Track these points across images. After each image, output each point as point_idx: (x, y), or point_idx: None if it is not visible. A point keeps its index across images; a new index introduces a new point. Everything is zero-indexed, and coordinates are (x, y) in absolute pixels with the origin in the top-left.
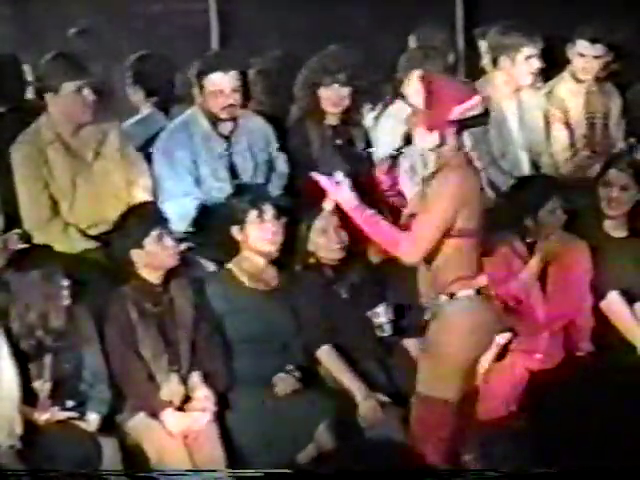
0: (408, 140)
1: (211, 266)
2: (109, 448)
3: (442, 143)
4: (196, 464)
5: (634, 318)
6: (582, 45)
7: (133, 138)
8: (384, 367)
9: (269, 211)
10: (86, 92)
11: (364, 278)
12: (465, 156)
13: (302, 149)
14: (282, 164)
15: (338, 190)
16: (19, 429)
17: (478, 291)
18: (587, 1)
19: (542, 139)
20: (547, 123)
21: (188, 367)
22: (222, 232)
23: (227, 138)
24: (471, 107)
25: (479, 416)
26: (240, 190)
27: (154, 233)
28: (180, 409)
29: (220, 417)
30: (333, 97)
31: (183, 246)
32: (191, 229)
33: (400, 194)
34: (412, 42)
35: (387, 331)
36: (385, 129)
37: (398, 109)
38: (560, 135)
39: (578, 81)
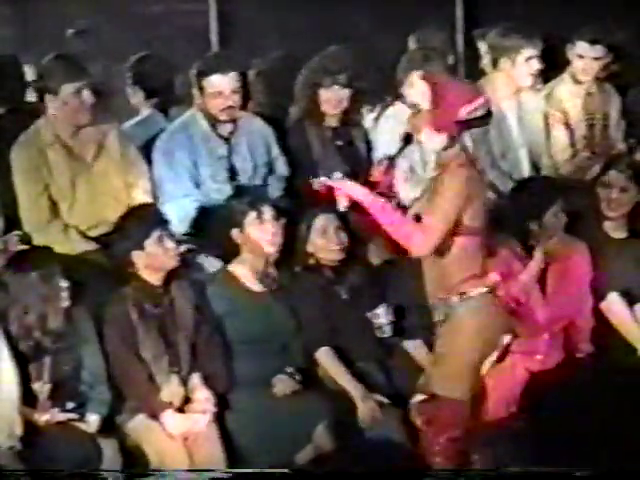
0: (407, 141)
1: (216, 263)
2: (109, 449)
3: (450, 144)
4: (196, 465)
5: (634, 319)
6: (582, 46)
7: (133, 139)
8: (384, 368)
9: (268, 212)
10: (85, 94)
11: (364, 279)
12: (468, 156)
13: (302, 150)
14: (282, 165)
15: (351, 186)
16: (19, 430)
17: (488, 290)
18: (587, 2)
19: (542, 140)
20: (547, 124)
21: (188, 368)
22: (222, 233)
23: (227, 139)
24: (477, 107)
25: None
26: (240, 191)
27: (155, 235)
28: (180, 410)
29: (220, 418)
30: (333, 98)
31: (183, 247)
32: (191, 230)
33: (396, 196)
34: (412, 43)
35: (387, 332)
36: (385, 130)
37: (398, 110)
38: (560, 136)
39: (578, 82)
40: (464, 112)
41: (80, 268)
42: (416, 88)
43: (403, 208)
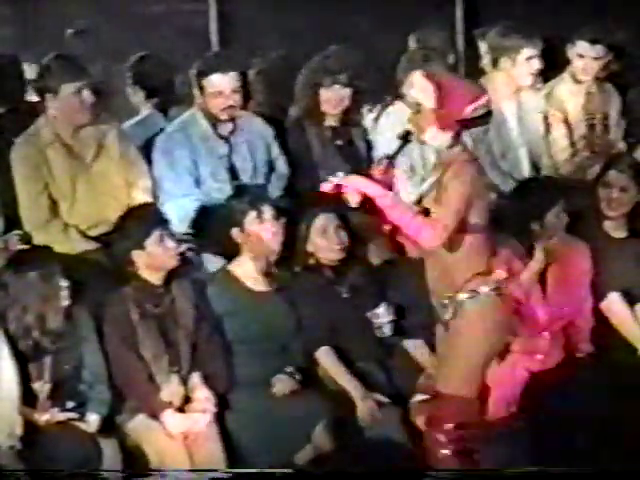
0: (406, 140)
1: (217, 261)
2: (109, 449)
3: (454, 142)
4: (196, 465)
5: (634, 319)
6: (582, 46)
7: (133, 139)
8: (384, 368)
9: (268, 212)
10: (85, 93)
11: (364, 279)
12: (470, 154)
13: (302, 150)
14: (282, 165)
15: (362, 181)
16: (19, 430)
17: (495, 286)
18: (587, 2)
19: (542, 140)
20: (547, 124)
21: (188, 368)
22: (222, 233)
23: (227, 139)
24: (481, 106)
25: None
26: (240, 191)
27: (155, 234)
28: (180, 410)
29: (220, 417)
30: (334, 98)
31: (184, 247)
32: (191, 230)
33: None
34: (412, 43)
35: (387, 332)
36: (384, 130)
37: (398, 110)
38: (560, 136)
39: (578, 82)
40: (469, 111)
41: (80, 268)
42: (419, 87)
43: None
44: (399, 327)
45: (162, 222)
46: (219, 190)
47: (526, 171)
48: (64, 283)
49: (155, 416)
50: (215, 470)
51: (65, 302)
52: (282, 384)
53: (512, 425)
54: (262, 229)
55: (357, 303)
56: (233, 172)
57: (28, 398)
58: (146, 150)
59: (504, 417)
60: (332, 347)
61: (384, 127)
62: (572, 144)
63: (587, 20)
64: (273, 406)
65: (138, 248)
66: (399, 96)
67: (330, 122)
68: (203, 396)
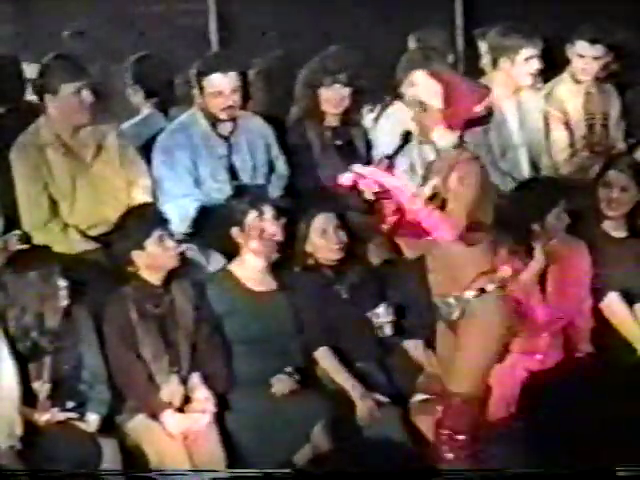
0: (407, 140)
1: (220, 259)
2: (109, 449)
3: (460, 141)
4: (196, 465)
5: (634, 319)
6: (582, 46)
7: (132, 139)
8: (384, 368)
9: (269, 212)
10: (85, 94)
11: (364, 279)
12: (472, 153)
13: (302, 150)
14: (282, 165)
15: (382, 174)
16: (19, 430)
17: (501, 284)
18: (587, 1)
19: (542, 140)
20: (547, 124)
21: (188, 368)
22: (222, 233)
23: (227, 139)
24: (487, 104)
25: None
26: (240, 191)
27: (155, 234)
28: (180, 410)
29: (219, 417)
30: (334, 98)
31: (184, 247)
32: (191, 230)
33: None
34: (411, 43)
35: (387, 332)
36: (384, 130)
37: (397, 110)
38: (560, 136)
39: (578, 82)
40: (478, 109)
41: (80, 268)
42: (423, 86)
43: None
44: (399, 327)
45: (162, 222)
46: (219, 190)
47: (526, 171)
48: (63, 283)
49: (155, 416)
50: (215, 470)
51: (64, 302)
52: (281, 384)
53: (512, 425)
54: (262, 229)
55: (357, 303)
56: (233, 172)
57: (28, 398)
58: (146, 150)
59: (504, 417)
60: (332, 347)
61: (384, 127)
62: (572, 144)
63: (587, 20)
64: (272, 406)
65: (138, 248)
66: (399, 96)
67: (330, 122)
68: (203, 396)
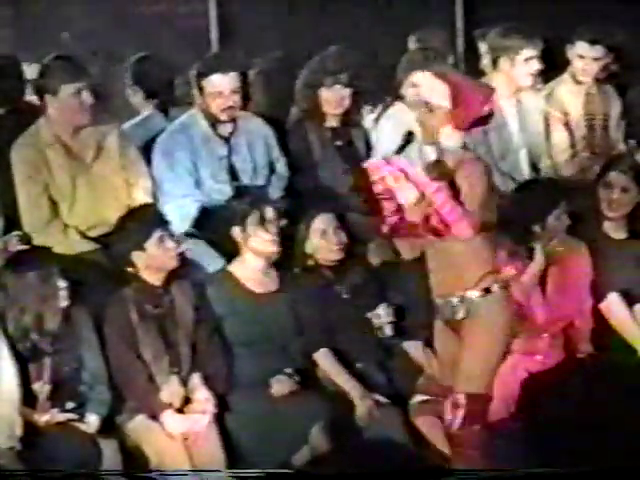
0: (408, 141)
1: (219, 260)
2: (109, 450)
3: (465, 142)
4: (196, 465)
5: (634, 319)
6: (582, 47)
7: (133, 140)
8: (384, 369)
9: (269, 213)
10: (85, 94)
11: (364, 279)
12: (474, 153)
13: (302, 151)
14: (282, 166)
15: (410, 164)
16: (19, 431)
17: (504, 284)
18: (587, 2)
19: (542, 141)
20: (547, 125)
21: (188, 369)
22: (222, 234)
23: (227, 140)
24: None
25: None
26: (240, 192)
27: (155, 235)
28: (180, 411)
29: (219, 418)
30: (335, 98)
31: (184, 247)
32: (191, 231)
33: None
34: (411, 43)
35: (387, 332)
36: (385, 130)
37: (398, 110)
38: (560, 137)
39: (578, 82)
40: (485, 110)
41: (80, 268)
42: (429, 87)
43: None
44: (399, 328)
45: (162, 223)
46: (219, 191)
47: (526, 172)
48: (62, 284)
49: (155, 417)
50: (215, 470)
51: (63, 303)
52: (281, 385)
53: (512, 425)
54: (262, 230)
55: (357, 304)
56: (233, 173)
57: (28, 399)
58: (146, 151)
59: (504, 417)
60: (332, 348)
61: (384, 128)
62: (572, 145)
63: (587, 20)
64: (272, 407)
65: (138, 249)
66: (399, 97)
67: (330, 122)
68: (203, 397)
